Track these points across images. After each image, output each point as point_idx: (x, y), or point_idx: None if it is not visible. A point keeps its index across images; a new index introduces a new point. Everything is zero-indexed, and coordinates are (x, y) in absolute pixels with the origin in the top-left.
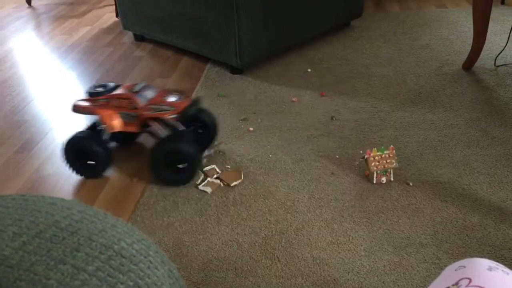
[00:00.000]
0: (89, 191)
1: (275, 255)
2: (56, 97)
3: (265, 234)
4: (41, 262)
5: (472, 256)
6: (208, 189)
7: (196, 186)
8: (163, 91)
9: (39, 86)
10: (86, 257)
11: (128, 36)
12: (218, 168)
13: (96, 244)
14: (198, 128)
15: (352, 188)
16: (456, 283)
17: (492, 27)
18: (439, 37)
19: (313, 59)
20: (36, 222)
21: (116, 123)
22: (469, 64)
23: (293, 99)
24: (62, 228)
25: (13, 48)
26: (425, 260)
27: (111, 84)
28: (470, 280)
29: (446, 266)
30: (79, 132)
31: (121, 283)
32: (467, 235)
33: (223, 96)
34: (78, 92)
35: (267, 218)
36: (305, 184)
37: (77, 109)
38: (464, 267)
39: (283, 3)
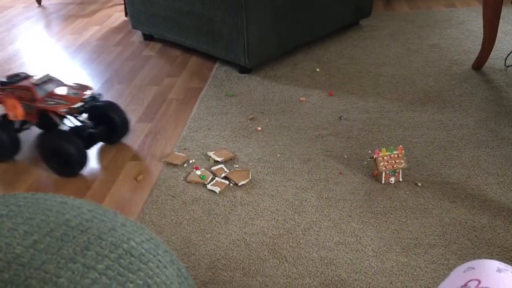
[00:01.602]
0: (97, 190)
1: (283, 254)
2: None
3: (273, 234)
4: (51, 260)
5: (481, 258)
6: (216, 189)
7: (205, 185)
8: (67, 85)
9: None
10: (96, 255)
11: (137, 36)
12: (226, 168)
13: (106, 243)
14: (103, 123)
15: (360, 188)
16: (465, 285)
17: (502, 26)
18: (448, 36)
19: (322, 59)
20: (47, 220)
21: (18, 112)
22: (478, 64)
23: (301, 98)
24: (73, 227)
25: (22, 47)
26: (434, 261)
27: (22, 75)
28: (479, 281)
29: (454, 267)
30: None
31: (131, 282)
32: (476, 236)
33: (232, 95)
34: None
35: (275, 218)
36: (313, 184)
37: None
38: (473, 268)
39: (292, 2)
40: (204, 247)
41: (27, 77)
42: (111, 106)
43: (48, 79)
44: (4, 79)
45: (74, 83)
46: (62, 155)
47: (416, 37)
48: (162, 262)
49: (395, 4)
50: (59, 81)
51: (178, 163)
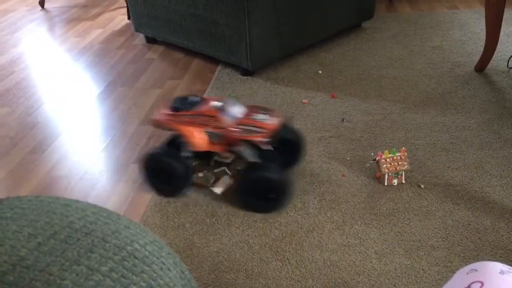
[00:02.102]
0: (101, 193)
1: (286, 257)
2: (69, 99)
3: (275, 236)
4: (56, 262)
5: (484, 260)
6: (219, 189)
7: (207, 188)
8: (251, 108)
9: (52, 88)
10: (100, 258)
11: (140, 39)
12: (229, 170)
13: (110, 245)
14: (285, 148)
15: (363, 190)
16: (468, 287)
17: (505, 28)
18: (451, 38)
19: (324, 61)
20: (51, 223)
21: (201, 142)
22: (481, 66)
23: (304, 100)
24: (77, 229)
25: (26, 51)
26: (437, 263)
27: (195, 98)
28: (482, 283)
29: (458, 269)
30: (157, 149)
31: (134, 284)
32: (479, 238)
33: (235, 97)
34: (89, 94)
35: (277, 220)
36: (316, 186)
37: (159, 124)
38: (476, 270)
39: (294, 5)
40: (207, 249)
41: (201, 99)
42: (289, 129)
43: (230, 103)
44: (178, 104)
45: (256, 106)
46: (275, 192)
47: (418, 39)
48: (166, 264)
49: (398, 6)
50: (242, 104)
51: None
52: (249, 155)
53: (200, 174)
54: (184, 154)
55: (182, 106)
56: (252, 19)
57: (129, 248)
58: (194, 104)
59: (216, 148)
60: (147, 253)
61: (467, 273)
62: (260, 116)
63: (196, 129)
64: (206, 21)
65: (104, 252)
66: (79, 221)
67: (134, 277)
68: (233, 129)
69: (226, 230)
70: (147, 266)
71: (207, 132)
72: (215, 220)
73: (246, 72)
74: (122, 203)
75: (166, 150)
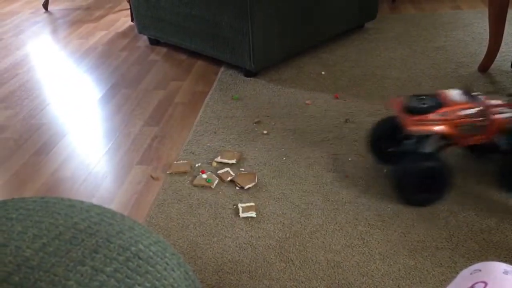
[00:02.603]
0: (105, 194)
1: (290, 258)
2: (73, 101)
3: (279, 237)
4: (60, 263)
5: (489, 260)
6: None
7: (211, 189)
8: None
9: (56, 90)
10: (104, 258)
11: (143, 40)
12: (232, 171)
13: (114, 246)
14: None
15: (367, 191)
16: (471, 287)
17: (509, 28)
18: (454, 39)
19: (327, 62)
20: (55, 224)
21: (465, 139)
22: (485, 66)
23: (307, 102)
24: (81, 230)
25: (30, 53)
26: (441, 264)
27: (431, 98)
28: (486, 283)
29: (462, 270)
30: (415, 156)
31: (139, 285)
32: (483, 238)
33: (237, 99)
34: (97, 96)
35: (281, 221)
36: (319, 187)
37: (415, 129)
38: (480, 270)
39: (297, 6)
40: (210, 251)
41: (436, 96)
42: None
43: (465, 92)
44: (418, 105)
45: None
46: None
47: (421, 39)
48: (170, 265)
49: (401, 7)
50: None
51: (183, 170)
52: (505, 143)
53: (204, 176)
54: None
55: (423, 106)
56: (255, 21)
57: (133, 248)
58: (435, 102)
59: (476, 140)
60: (151, 253)
61: (471, 274)
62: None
63: (454, 127)
64: (209, 22)
65: (109, 252)
66: (84, 222)
67: (139, 278)
68: (497, 116)
69: (230, 232)
70: (151, 267)
71: (463, 125)
72: (219, 221)
73: (249, 73)
74: (126, 204)
75: (434, 156)
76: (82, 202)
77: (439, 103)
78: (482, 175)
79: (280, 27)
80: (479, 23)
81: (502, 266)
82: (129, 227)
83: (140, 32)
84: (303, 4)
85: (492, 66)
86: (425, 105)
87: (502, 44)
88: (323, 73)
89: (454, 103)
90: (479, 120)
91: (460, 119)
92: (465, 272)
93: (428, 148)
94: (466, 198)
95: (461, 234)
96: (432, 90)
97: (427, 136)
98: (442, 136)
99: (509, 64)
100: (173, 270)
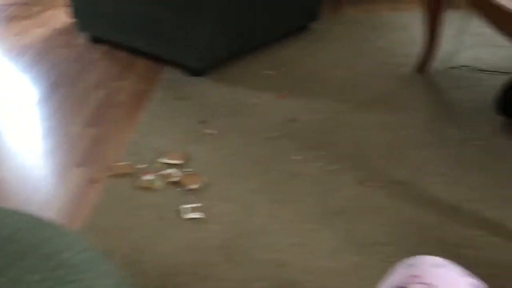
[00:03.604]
0: (43, 197)
1: (235, 258)
2: (9, 101)
3: (224, 238)
4: None
5: (430, 255)
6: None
7: (155, 190)
8: None
9: None
10: (30, 267)
11: (83, 38)
12: (177, 172)
13: (41, 253)
14: None
15: (312, 189)
16: (406, 280)
17: (445, 29)
18: (394, 39)
19: (273, 61)
20: None
21: None
22: (422, 67)
23: (253, 100)
24: (5, 237)
25: None
26: (385, 259)
27: None
28: (419, 277)
29: None
30: None
31: None
32: (424, 233)
33: (182, 98)
34: (31, 94)
35: (226, 221)
36: (266, 186)
37: None
38: (413, 264)
39: (242, 6)
40: (154, 253)
41: None
42: None
43: None
44: None
45: None
46: None
47: (363, 40)
48: (101, 273)
49: (343, 8)
50: None
51: (125, 172)
52: None
53: (147, 177)
54: None
55: None
56: (200, 19)
57: (61, 256)
58: None
59: None
60: (81, 261)
61: (405, 268)
62: None
63: None
64: (153, 20)
65: (35, 260)
66: (6, 228)
67: (68, 286)
68: None
69: (174, 233)
70: (81, 274)
71: None
72: (163, 223)
73: (194, 73)
74: (64, 208)
75: None
76: (5, 208)
77: None
78: (422, 172)
79: (226, 26)
80: (417, 25)
81: (434, 259)
82: (58, 234)
83: (80, 29)
84: (248, 4)
85: (430, 66)
86: None
87: (439, 45)
88: (269, 72)
89: None
90: None
91: None
92: (401, 265)
93: None
94: (408, 195)
95: (403, 230)
96: (373, 89)
97: None
98: None
99: (446, 64)
100: (104, 278)
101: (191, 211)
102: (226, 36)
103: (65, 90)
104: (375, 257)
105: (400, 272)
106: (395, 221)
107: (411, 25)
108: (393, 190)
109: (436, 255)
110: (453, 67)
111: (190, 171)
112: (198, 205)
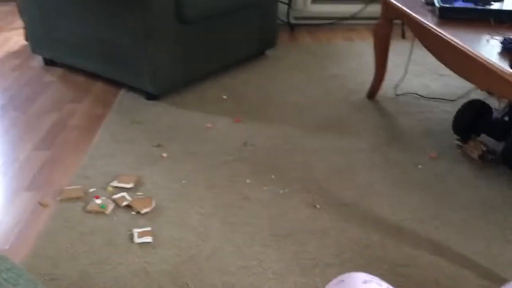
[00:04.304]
0: None
1: (185, 282)
2: None
3: (175, 262)
4: None
5: (372, 274)
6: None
7: (105, 215)
8: None
9: None
10: None
11: (37, 61)
12: (129, 196)
13: None
14: None
15: (263, 212)
16: None
17: (394, 59)
18: (346, 67)
19: (229, 87)
20: None
21: None
22: (372, 93)
23: (208, 125)
24: None
25: None
26: (330, 279)
27: None
28: None
29: None
30: None
31: None
32: (368, 254)
33: (138, 122)
34: None
35: (178, 245)
36: (218, 209)
37: None
38: (343, 281)
39: (199, 31)
40: (102, 279)
41: None
42: None
43: None
44: None
45: None
46: None
47: (317, 67)
48: None
49: (299, 36)
50: None
51: (75, 196)
52: None
53: (98, 201)
54: None
55: None
56: (157, 43)
57: None
58: None
59: None
60: (2, 280)
61: (335, 285)
62: None
63: None
64: (108, 43)
65: None
66: None
67: None
68: None
69: (124, 258)
70: None
71: None
72: (112, 248)
73: (150, 97)
74: (10, 234)
75: None
76: None
77: None
78: (368, 194)
79: (182, 50)
80: (369, 54)
81: (362, 276)
82: None
83: (34, 52)
84: (205, 30)
85: (379, 93)
86: None
87: (388, 73)
88: (224, 97)
89: None
90: None
91: None
92: (332, 283)
93: None
94: (354, 216)
95: (349, 250)
96: (326, 115)
97: None
98: None
99: (394, 91)
100: None
101: (142, 236)
102: (183, 61)
103: (16, 113)
104: (320, 278)
105: None
106: (341, 242)
107: (364, 54)
108: (340, 212)
109: (379, 274)
110: (400, 94)
111: (141, 195)
112: (149, 229)
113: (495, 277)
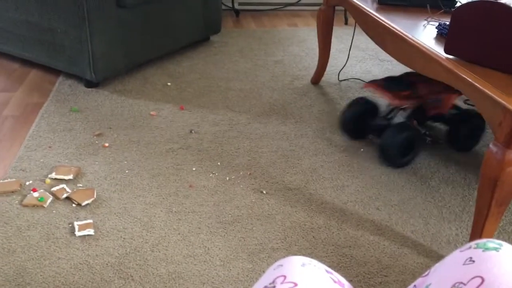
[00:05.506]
0: None
1: (129, 274)
2: None
3: (118, 253)
4: None
5: (317, 256)
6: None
7: (44, 208)
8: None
9: None
10: None
11: None
12: (69, 187)
13: None
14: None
15: (209, 200)
16: (273, 281)
17: (337, 45)
18: (291, 53)
19: (173, 73)
20: None
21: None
22: (316, 79)
23: (152, 113)
24: None
25: None
26: None
27: (403, 79)
28: (285, 277)
29: None
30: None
31: None
32: (313, 236)
33: (77, 111)
34: None
35: (121, 237)
36: (163, 198)
37: (398, 103)
38: (282, 265)
39: (140, 15)
40: (41, 275)
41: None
42: None
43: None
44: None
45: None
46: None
47: (262, 53)
48: None
49: (243, 22)
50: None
51: (11, 189)
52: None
53: (36, 194)
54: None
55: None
56: (94, 28)
57: None
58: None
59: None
60: None
61: (274, 269)
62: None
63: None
64: (43, 29)
65: None
66: None
67: None
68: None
69: (64, 252)
70: None
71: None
72: (52, 242)
73: (90, 84)
74: None
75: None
76: None
77: (408, 82)
78: (313, 178)
79: (122, 36)
80: (313, 40)
81: (300, 259)
82: None
83: None
84: (146, 14)
85: (323, 78)
86: (401, 85)
87: (332, 59)
88: (169, 84)
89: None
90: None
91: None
92: (270, 268)
93: (402, 119)
94: (299, 200)
95: (294, 234)
96: (271, 100)
97: (402, 109)
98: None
99: (337, 76)
100: None
101: (83, 228)
102: (124, 46)
103: None
104: (267, 262)
105: (269, 273)
106: (286, 226)
107: (309, 40)
108: (286, 196)
109: (324, 256)
110: (343, 80)
111: (82, 187)
112: (90, 221)
113: (433, 254)
